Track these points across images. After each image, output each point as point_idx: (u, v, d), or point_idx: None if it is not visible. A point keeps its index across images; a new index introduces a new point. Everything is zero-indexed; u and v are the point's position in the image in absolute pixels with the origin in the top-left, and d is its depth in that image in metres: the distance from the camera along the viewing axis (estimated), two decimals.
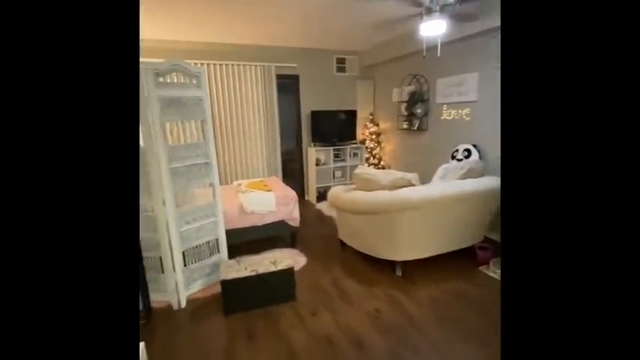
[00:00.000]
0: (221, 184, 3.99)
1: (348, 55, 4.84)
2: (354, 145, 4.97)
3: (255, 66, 4.21)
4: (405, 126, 4.37)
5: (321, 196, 4.75)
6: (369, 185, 2.57)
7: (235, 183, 3.71)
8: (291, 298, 2.26)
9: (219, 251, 2.56)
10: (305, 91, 4.70)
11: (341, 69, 4.86)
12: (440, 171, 3.05)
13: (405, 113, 4.32)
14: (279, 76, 4.41)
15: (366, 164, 4.99)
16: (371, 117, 5.07)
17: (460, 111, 3.54)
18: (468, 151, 3.27)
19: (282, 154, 4.69)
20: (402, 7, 2.76)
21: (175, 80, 3.04)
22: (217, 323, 2.06)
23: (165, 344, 1.88)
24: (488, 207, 2.64)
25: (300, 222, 3.39)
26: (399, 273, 2.56)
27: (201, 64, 3.86)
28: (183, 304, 2.25)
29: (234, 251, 2.70)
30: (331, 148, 4.79)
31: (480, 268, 2.64)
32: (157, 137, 2.01)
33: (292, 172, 5.15)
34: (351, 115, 4.88)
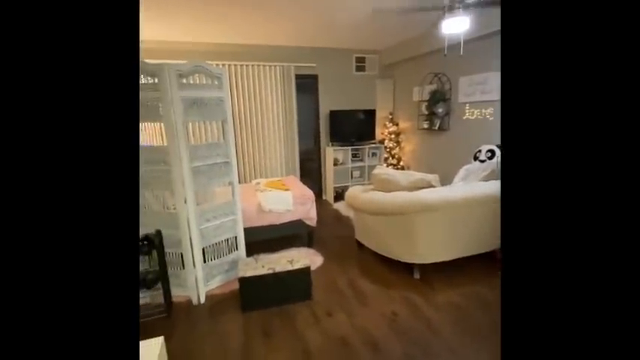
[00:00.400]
0: (240, 182, 4.08)
1: (368, 54, 4.80)
2: (373, 145, 4.93)
3: (275, 66, 4.25)
4: (425, 126, 4.29)
5: (339, 196, 4.74)
6: (387, 186, 2.54)
7: (254, 182, 3.76)
8: (307, 298, 2.28)
9: (237, 249, 2.61)
10: (324, 91, 4.71)
11: (360, 68, 4.83)
12: (461, 172, 2.97)
13: (426, 112, 4.23)
14: (298, 76, 4.43)
15: (385, 164, 4.93)
16: (390, 116, 5.01)
17: (483, 110, 3.43)
18: (492, 151, 3.16)
19: (301, 154, 4.72)
20: (424, 4, 2.69)
21: (197, 81, 3.14)
22: (234, 319, 2.10)
23: (184, 338, 1.94)
24: None
25: (317, 222, 3.39)
26: (416, 276, 2.52)
27: (222, 64, 3.94)
28: (203, 299, 2.32)
29: (252, 249, 2.75)
30: (349, 147, 4.77)
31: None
32: (180, 137, 2.07)
33: (310, 172, 5.17)
34: (370, 114, 4.84)
